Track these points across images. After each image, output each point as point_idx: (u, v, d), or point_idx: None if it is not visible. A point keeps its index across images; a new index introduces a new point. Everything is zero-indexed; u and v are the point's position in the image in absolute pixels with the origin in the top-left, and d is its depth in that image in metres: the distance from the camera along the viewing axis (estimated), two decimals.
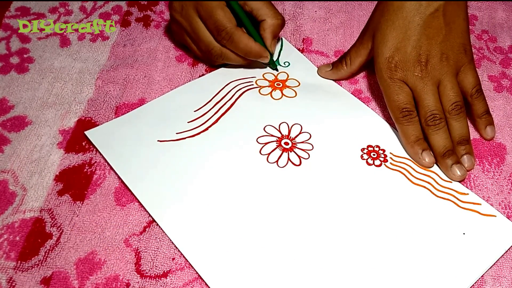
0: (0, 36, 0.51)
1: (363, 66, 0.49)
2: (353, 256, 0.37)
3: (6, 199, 0.39)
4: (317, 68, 0.50)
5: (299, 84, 0.49)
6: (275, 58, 0.51)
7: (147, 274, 0.36)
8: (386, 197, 0.40)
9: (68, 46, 0.51)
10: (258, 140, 0.44)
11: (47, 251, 0.37)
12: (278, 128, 0.45)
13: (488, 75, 0.51)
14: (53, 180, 0.41)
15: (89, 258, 0.37)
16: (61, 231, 0.38)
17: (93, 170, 0.42)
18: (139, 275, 0.36)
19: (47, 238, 0.37)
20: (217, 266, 0.36)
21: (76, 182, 0.41)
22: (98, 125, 0.44)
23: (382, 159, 0.43)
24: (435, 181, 0.42)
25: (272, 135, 0.44)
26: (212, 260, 0.36)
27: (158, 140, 0.43)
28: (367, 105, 0.47)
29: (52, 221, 0.38)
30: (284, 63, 0.51)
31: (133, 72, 0.49)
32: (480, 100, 0.45)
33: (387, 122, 0.46)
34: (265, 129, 0.45)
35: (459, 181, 0.42)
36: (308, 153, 0.43)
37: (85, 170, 0.42)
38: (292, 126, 0.45)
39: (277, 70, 0.50)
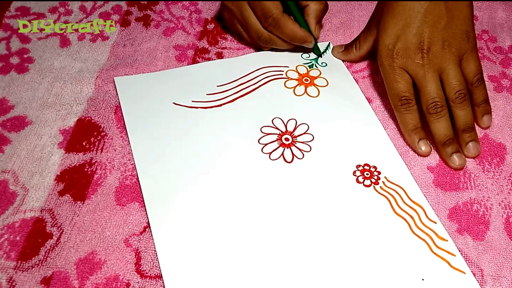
0: (0, 37, 0.51)
1: (371, 52, 0.49)
2: (306, 276, 0.36)
3: (6, 199, 0.39)
4: (352, 78, 0.49)
5: (327, 84, 0.49)
6: (315, 56, 0.52)
7: (147, 274, 0.36)
8: (363, 219, 0.39)
9: (68, 46, 0.51)
10: (262, 129, 0.44)
11: (48, 251, 0.37)
12: (285, 123, 0.45)
13: (488, 75, 0.51)
14: (54, 180, 0.41)
15: (89, 258, 0.37)
16: (61, 231, 0.38)
17: (94, 169, 0.42)
18: (139, 275, 0.36)
19: (48, 238, 0.37)
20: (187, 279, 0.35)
21: (77, 182, 0.41)
22: (98, 125, 0.45)
23: (373, 180, 0.41)
24: (418, 216, 0.39)
25: (276, 128, 0.45)
26: (185, 273, 0.36)
27: (173, 103, 0.45)
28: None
29: (52, 221, 0.38)
30: (321, 63, 0.51)
31: (133, 71, 0.49)
32: (481, 89, 0.45)
33: (395, 146, 0.44)
34: (273, 121, 0.45)
35: (458, 170, 0.42)
36: (303, 154, 0.43)
37: (86, 169, 0.42)
38: (299, 125, 0.45)
39: (321, 56, 0.51)
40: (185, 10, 0.55)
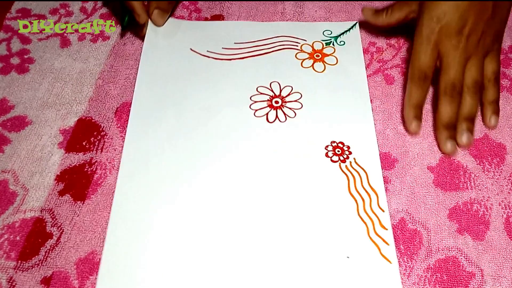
0: (1, 38, 0.52)
1: (401, 23, 0.49)
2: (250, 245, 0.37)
3: (6, 199, 0.40)
4: (363, 62, 0.50)
5: (336, 63, 0.50)
6: (336, 34, 0.52)
7: None
8: (318, 191, 0.40)
9: (69, 47, 0.51)
10: (258, 89, 0.47)
11: (48, 251, 0.37)
12: (281, 88, 0.47)
13: None
14: (54, 180, 0.41)
15: (89, 258, 0.37)
16: (61, 231, 0.38)
17: (94, 169, 0.42)
18: None
19: (48, 238, 0.38)
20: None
21: (77, 182, 0.41)
22: (98, 124, 0.45)
23: (342, 158, 0.42)
24: (370, 201, 0.40)
25: (271, 90, 0.47)
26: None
27: (190, 49, 0.49)
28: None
29: (52, 221, 0.38)
30: (340, 42, 0.52)
31: (133, 71, 0.49)
32: (495, 87, 0.46)
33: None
34: (271, 84, 0.47)
35: (447, 155, 0.43)
36: (286, 118, 0.45)
37: (86, 169, 0.42)
38: (293, 92, 0.47)
39: (124, 28, 0.51)
40: (185, 10, 0.56)
